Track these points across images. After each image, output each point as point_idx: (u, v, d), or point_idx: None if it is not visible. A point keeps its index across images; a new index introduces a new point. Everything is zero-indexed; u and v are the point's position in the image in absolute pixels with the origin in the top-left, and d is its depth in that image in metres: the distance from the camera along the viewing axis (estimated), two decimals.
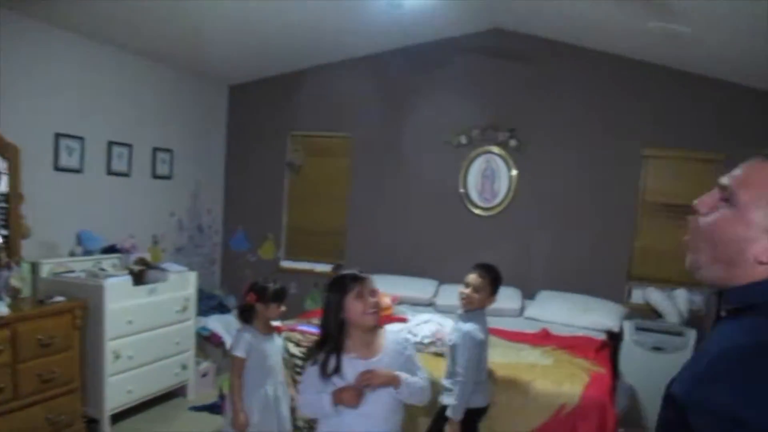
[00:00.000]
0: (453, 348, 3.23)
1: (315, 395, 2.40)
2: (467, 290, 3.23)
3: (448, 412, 3.13)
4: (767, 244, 1.12)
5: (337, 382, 2.39)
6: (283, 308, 3.45)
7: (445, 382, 3.26)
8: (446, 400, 3.18)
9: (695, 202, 1.24)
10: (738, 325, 1.12)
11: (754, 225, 1.13)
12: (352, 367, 2.41)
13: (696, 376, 1.10)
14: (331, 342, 2.44)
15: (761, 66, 4.58)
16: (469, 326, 3.18)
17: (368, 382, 2.36)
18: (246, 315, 3.47)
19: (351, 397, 2.34)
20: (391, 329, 2.69)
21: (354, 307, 2.43)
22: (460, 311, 3.32)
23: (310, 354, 2.54)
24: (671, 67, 5.25)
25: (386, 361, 2.47)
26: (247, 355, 3.33)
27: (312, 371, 2.45)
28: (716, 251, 1.18)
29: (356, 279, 2.48)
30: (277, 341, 3.56)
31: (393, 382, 2.41)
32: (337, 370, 2.39)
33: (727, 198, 1.17)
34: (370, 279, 2.52)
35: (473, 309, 3.24)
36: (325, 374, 2.39)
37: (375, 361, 2.45)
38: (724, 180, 1.19)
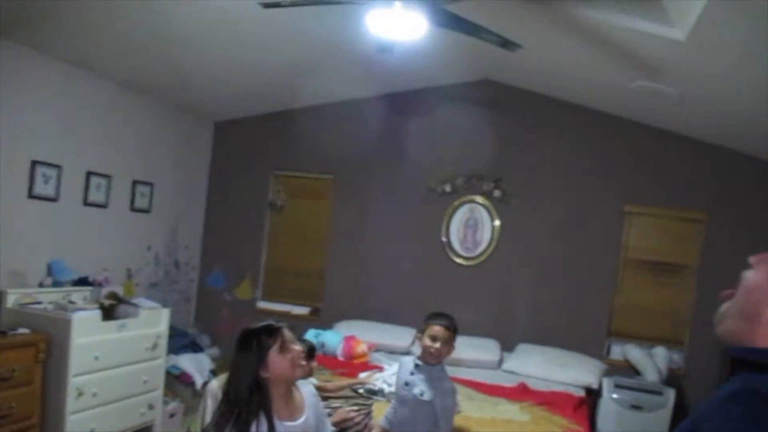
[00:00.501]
0: (427, 403, 3.01)
1: None
2: (436, 345, 3.03)
3: None
4: None
5: None
6: None
7: None
8: None
9: (751, 257, 1.28)
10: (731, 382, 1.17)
11: None
12: (284, 430, 2.17)
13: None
14: (245, 408, 2.12)
15: (745, 129, 4.62)
16: (450, 384, 3.08)
17: None
18: None
19: None
20: (301, 382, 2.47)
21: (279, 362, 2.19)
22: (417, 360, 3.15)
23: (220, 427, 2.14)
24: (656, 126, 5.29)
25: (311, 419, 2.30)
26: None
27: None
28: (745, 305, 1.23)
29: (273, 331, 2.23)
30: None
31: None
32: None
33: None
34: (286, 327, 2.30)
35: (439, 362, 3.11)
36: None
37: (303, 421, 2.26)
38: None
